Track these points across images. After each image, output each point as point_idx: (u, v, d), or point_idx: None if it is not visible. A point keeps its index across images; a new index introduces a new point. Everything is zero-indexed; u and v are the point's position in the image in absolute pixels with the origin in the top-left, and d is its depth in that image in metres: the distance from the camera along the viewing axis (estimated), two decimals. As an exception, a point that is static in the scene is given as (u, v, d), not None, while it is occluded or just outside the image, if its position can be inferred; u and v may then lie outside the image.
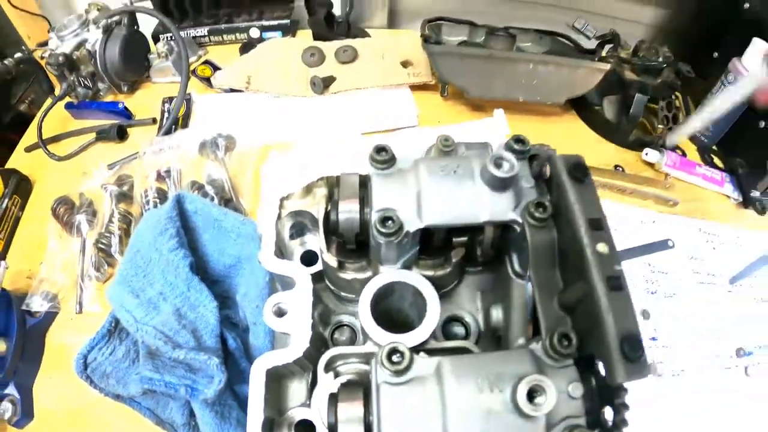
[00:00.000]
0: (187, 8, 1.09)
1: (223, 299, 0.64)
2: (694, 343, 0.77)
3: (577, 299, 0.45)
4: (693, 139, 1.02)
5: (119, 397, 0.59)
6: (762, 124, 0.90)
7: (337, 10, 1.14)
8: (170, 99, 0.98)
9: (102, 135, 0.93)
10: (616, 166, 0.96)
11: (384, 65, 1.03)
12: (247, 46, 1.08)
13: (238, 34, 1.12)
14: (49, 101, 0.97)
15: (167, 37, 1.04)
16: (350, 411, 0.40)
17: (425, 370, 0.38)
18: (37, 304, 0.73)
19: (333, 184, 0.52)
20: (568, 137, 1.01)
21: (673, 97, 0.99)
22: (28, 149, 0.96)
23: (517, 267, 0.49)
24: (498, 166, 0.46)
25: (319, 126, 0.94)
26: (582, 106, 1.05)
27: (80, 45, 0.96)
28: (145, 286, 0.61)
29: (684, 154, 0.99)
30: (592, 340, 0.42)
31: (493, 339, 0.52)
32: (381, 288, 0.46)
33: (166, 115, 0.96)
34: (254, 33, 1.11)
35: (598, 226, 0.45)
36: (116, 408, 0.60)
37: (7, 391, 0.66)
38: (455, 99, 1.01)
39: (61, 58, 0.93)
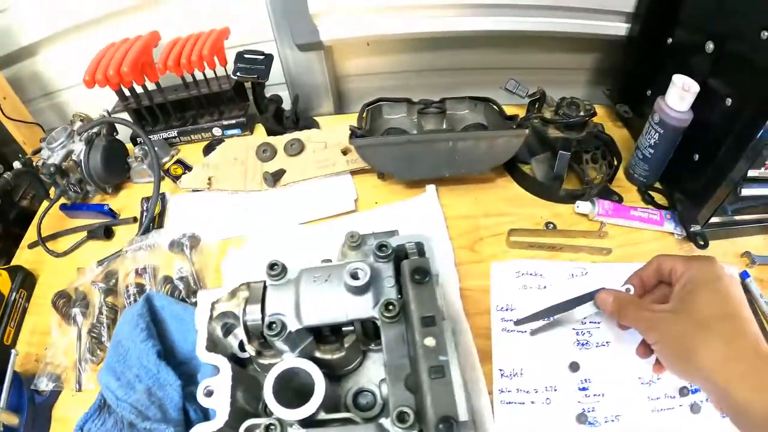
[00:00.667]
0: (158, 113, 1.30)
1: (189, 377, 0.82)
2: (630, 388, 0.80)
3: (415, 383, 0.56)
4: (632, 180, 1.11)
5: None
6: (696, 157, 0.94)
7: (287, 104, 1.31)
8: (148, 199, 1.17)
9: (92, 234, 1.14)
10: (547, 224, 1.03)
11: (325, 155, 1.19)
12: (209, 147, 1.28)
13: (203, 134, 1.32)
14: (45, 204, 1.20)
15: (141, 142, 1.24)
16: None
17: (296, 439, 0.57)
18: (44, 384, 0.89)
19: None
20: (503, 200, 1.12)
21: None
22: (31, 246, 1.17)
23: (387, 350, 0.65)
24: (354, 276, 0.64)
25: (269, 219, 1.10)
26: (512, 169, 1.17)
27: (68, 155, 1.17)
28: (124, 370, 0.80)
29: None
30: (422, 418, 0.54)
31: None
32: (281, 372, 0.63)
33: (144, 214, 1.16)
34: (217, 132, 1.31)
35: (429, 322, 0.58)
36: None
37: (20, 459, 0.83)
38: (391, 179, 1.16)
39: (52, 168, 1.14)
